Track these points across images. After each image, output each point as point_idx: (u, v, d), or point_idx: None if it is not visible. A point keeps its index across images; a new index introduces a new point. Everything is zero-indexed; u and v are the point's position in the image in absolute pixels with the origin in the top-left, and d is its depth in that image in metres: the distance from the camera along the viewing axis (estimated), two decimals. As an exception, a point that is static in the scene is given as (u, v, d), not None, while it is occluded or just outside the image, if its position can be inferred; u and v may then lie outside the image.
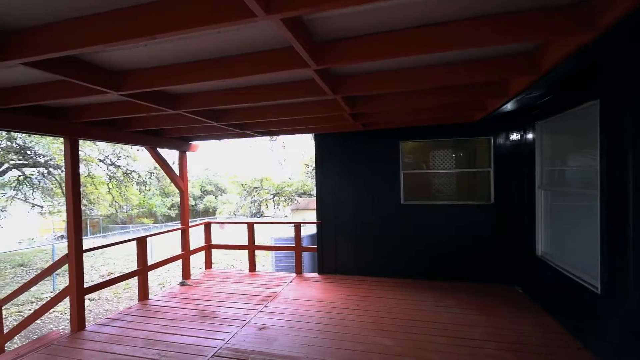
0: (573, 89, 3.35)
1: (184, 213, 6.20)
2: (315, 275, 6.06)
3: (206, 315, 4.47)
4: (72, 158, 4.02)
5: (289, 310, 4.51)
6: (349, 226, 5.90)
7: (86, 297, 8.10)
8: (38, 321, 6.92)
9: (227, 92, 3.37)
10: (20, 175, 17.38)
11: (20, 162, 16.01)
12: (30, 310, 7.75)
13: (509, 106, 3.95)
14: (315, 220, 6.15)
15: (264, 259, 11.74)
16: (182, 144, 6.02)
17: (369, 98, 3.83)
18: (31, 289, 9.12)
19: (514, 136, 5.08)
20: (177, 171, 6.16)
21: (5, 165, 16.19)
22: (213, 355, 3.40)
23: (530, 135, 4.62)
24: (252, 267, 6.52)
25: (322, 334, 3.81)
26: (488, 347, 3.40)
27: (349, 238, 5.90)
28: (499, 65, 2.77)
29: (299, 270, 6.21)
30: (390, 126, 5.40)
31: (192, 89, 3.37)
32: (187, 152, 6.24)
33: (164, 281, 9.78)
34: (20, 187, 17.77)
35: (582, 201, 3.44)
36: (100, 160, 17.35)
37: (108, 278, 4.71)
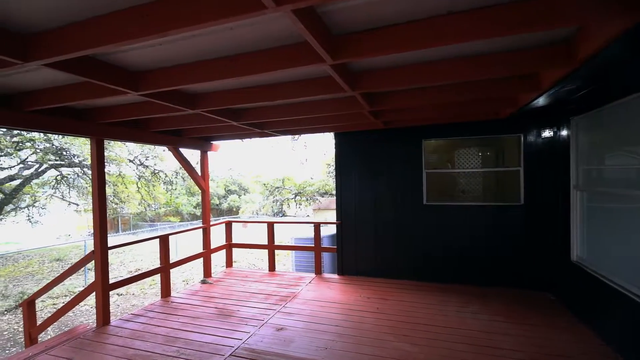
0: (616, 80, 3.07)
1: (205, 212, 6.29)
2: (335, 276, 5.97)
3: (225, 314, 4.48)
4: (98, 158, 4.15)
5: (307, 311, 4.45)
6: (370, 227, 5.76)
7: (114, 292, 8.47)
8: (70, 314, 7.26)
9: (244, 91, 3.34)
10: (58, 175, 18.45)
11: (57, 162, 16.94)
12: (63, 303, 8.15)
13: (540, 101, 3.69)
14: (335, 221, 6.06)
15: (285, 259, 11.79)
16: (203, 143, 6.10)
17: (390, 94, 3.70)
18: (65, 283, 9.60)
19: (546, 133, 4.77)
20: (199, 171, 6.25)
21: (45, 166, 17.18)
22: (230, 355, 3.39)
23: (564, 132, 4.31)
24: (271, 266, 6.52)
25: (340, 337, 3.71)
26: (518, 358, 3.18)
27: (370, 239, 5.77)
28: (531, 56, 2.57)
29: (318, 271, 6.14)
30: (412, 124, 5.22)
31: (209, 88, 3.38)
32: (208, 152, 6.32)
33: (188, 278, 10.01)
34: (58, 186, 18.85)
35: (626, 203, 3.15)
36: (130, 161, 18.06)
37: (135, 274, 4.82)
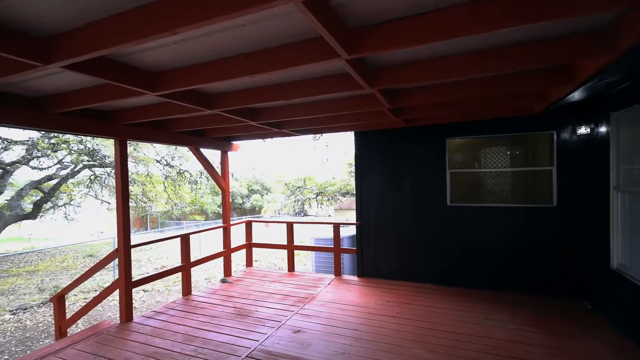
0: (662, 71, 2.78)
1: (225, 212, 6.35)
2: (355, 278, 5.86)
3: (243, 314, 4.48)
4: (121, 158, 4.26)
5: (325, 313, 4.37)
6: (390, 228, 5.60)
7: (140, 288, 8.75)
8: (99, 308, 7.55)
9: (259, 90, 3.31)
10: (91, 175, 19.47)
11: (90, 162, 17.82)
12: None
13: (576, 95, 3.42)
14: (355, 221, 5.95)
15: (306, 259, 11.77)
16: (223, 143, 6.16)
17: (411, 90, 3.55)
18: (96, 278, 10.03)
19: (582, 130, 4.44)
20: (220, 171, 6.32)
21: (80, 166, 18.13)
22: (246, 356, 3.37)
23: (603, 129, 3.99)
24: (291, 266, 6.50)
25: (358, 341, 3.61)
26: (549, 372, 2.96)
27: (390, 240, 5.61)
28: (566, 46, 2.36)
29: (337, 272, 6.05)
30: (435, 122, 5.02)
31: (226, 88, 3.36)
32: (228, 152, 6.38)
33: (210, 276, 10.19)
34: (92, 185, 19.89)
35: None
36: (157, 161, 18.71)
37: (159, 271, 4.92)
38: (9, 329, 6.70)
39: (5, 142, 13.77)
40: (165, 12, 1.72)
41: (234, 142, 6.45)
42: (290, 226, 6.57)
